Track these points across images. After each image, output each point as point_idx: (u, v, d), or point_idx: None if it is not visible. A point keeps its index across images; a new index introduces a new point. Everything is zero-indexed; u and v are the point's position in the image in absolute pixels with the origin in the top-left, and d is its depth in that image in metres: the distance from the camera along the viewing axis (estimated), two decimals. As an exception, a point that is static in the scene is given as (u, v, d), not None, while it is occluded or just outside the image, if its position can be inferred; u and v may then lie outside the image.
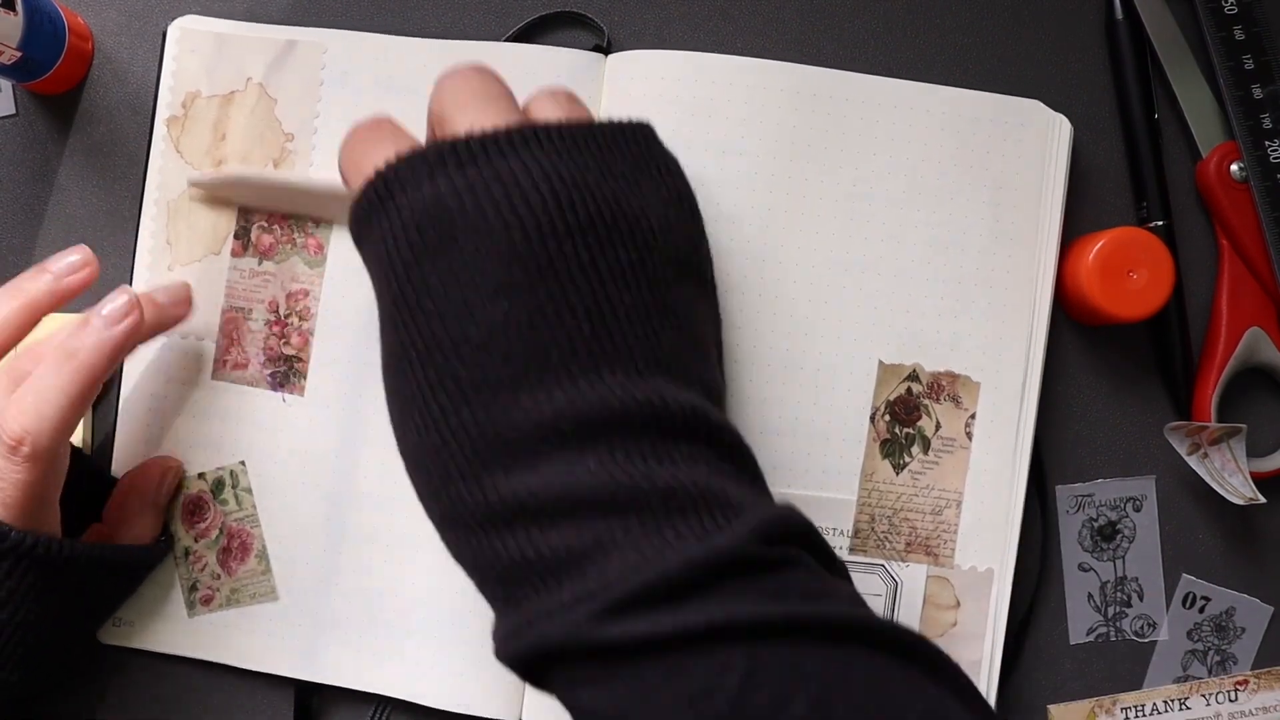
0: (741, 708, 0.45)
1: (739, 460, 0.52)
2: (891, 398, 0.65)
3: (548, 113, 0.54)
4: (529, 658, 0.48)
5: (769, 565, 0.47)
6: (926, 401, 0.65)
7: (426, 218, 0.49)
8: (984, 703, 0.48)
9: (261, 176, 0.66)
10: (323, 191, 0.65)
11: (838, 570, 0.51)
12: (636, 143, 0.54)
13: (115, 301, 0.60)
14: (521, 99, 0.56)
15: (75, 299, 0.62)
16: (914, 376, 0.65)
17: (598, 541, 0.47)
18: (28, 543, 0.57)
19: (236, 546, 0.66)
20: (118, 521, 0.65)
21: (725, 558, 0.46)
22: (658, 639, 0.45)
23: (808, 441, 0.65)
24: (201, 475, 0.67)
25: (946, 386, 0.65)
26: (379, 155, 0.51)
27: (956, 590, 0.65)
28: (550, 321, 0.48)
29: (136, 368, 0.67)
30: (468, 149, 0.49)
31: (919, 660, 0.48)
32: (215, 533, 0.67)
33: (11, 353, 0.60)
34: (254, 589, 0.66)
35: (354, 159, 0.53)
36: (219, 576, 0.67)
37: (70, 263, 0.61)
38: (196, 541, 0.67)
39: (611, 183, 0.51)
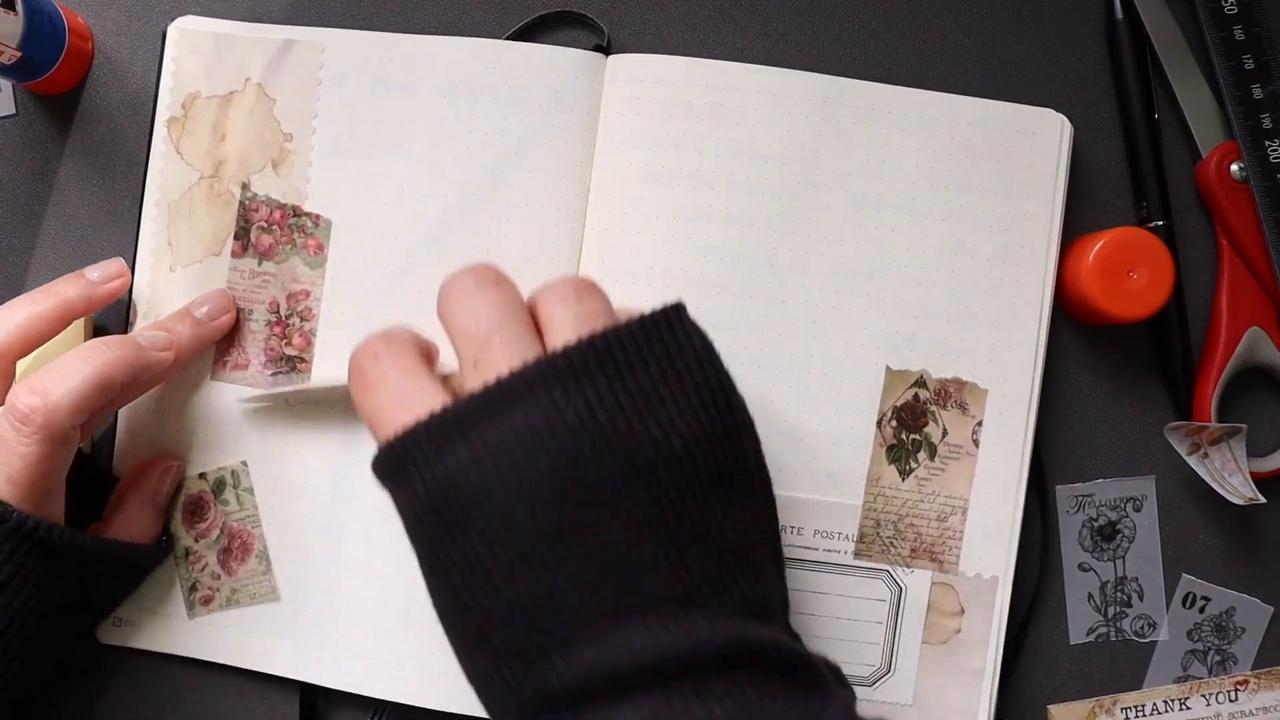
0: None
1: (793, 672, 0.50)
2: (898, 403, 0.65)
3: (558, 320, 0.52)
4: None
5: None
6: (933, 408, 0.65)
7: (440, 497, 0.48)
8: None
9: (300, 389, 0.66)
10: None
11: None
12: (662, 341, 0.50)
13: (158, 336, 0.63)
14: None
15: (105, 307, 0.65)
16: (921, 382, 0.65)
17: None
18: (29, 525, 0.57)
19: (237, 547, 0.66)
20: (118, 520, 0.65)
21: None
22: None
23: (814, 445, 0.65)
24: (202, 475, 0.67)
25: (954, 393, 0.65)
26: (392, 409, 0.50)
27: (961, 597, 0.65)
28: (572, 588, 0.47)
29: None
30: (470, 414, 0.48)
31: None
32: (216, 533, 0.67)
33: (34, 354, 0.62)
34: (254, 589, 0.66)
35: (369, 399, 0.52)
36: (219, 577, 0.67)
37: (107, 271, 0.65)
38: (197, 541, 0.67)
39: (628, 411, 0.49)
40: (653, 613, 0.47)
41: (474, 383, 0.50)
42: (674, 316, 0.51)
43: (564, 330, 0.50)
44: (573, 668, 0.47)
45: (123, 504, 0.65)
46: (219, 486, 0.66)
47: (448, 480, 0.48)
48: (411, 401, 0.50)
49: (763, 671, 0.48)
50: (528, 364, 0.48)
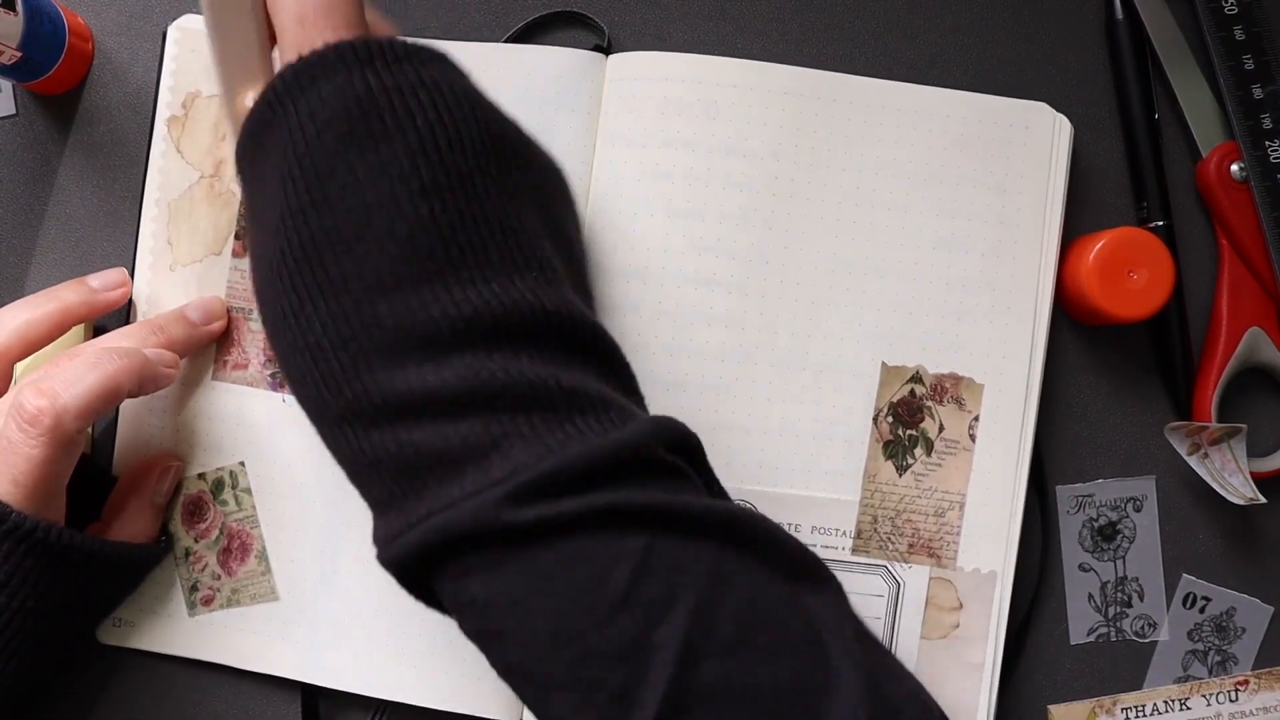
0: (633, 596, 0.47)
1: (625, 378, 0.55)
2: (894, 399, 0.65)
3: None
4: (425, 551, 0.49)
5: (667, 469, 0.51)
6: (930, 403, 0.65)
7: (355, 109, 0.49)
8: (869, 632, 0.52)
9: None
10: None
11: (717, 495, 0.54)
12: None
13: (164, 354, 0.63)
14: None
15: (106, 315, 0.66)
16: (917, 378, 0.65)
17: (504, 434, 0.48)
18: (27, 525, 0.57)
19: (237, 547, 0.66)
20: (117, 520, 0.65)
21: (629, 452, 0.49)
22: (561, 520, 0.48)
23: (811, 442, 0.65)
24: (201, 475, 0.67)
25: (950, 388, 0.65)
26: (302, 38, 0.51)
27: (959, 592, 0.65)
28: (469, 226, 0.49)
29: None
30: (394, 50, 0.49)
31: (801, 578, 0.51)
32: (215, 533, 0.67)
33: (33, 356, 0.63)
34: (254, 589, 0.66)
35: (293, 32, 0.52)
36: (219, 577, 0.67)
37: (109, 280, 0.66)
38: (197, 542, 0.67)
39: (500, 110, 0.53)
40: (531, 279, 0.51)
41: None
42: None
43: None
44: (458, 303, 0.49)
45: (122, 504, 0.65)
46: (218, 487, 0.66)
47: (367, 95, 0.49)
48: (326, 22, 0.51)
49: (613, 369, 0.54)
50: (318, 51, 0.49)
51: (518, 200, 0.52)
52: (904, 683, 0.51)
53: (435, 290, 0.48)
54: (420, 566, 0.50)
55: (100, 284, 0.65)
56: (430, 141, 0.49)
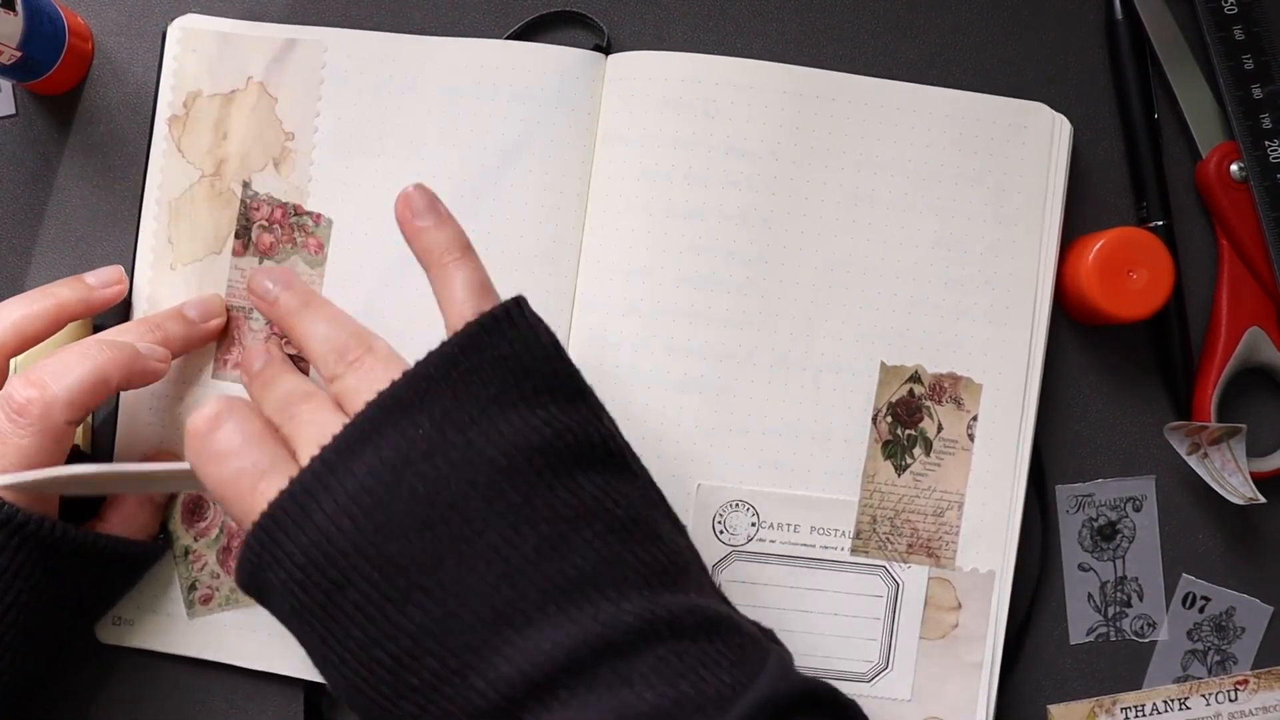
0: None
1: (717, 631, 0.49)
2: (893, 399, 0.65)
3: (370, 380, 0.53)
4: None
5: None
6: (928, 403, 0.65)
7: (320, 557, 0.48)
8: None
9: (85, 471, 0.58)
10: (163, 474, 0.60)
11: None
12: (506, 340, 0.52)
13: (156, 349, 0.63)
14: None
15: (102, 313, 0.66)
16: (916, 378, 0.65)
17: None
18: (20, 518, 0.57)
19: (237, 546, 0.66)
20: (115, 516, 0.64)
21: None
22: None
23: (809, 442, 0.65)
24: None
25: (949, 388, 0.65)
26: (250, 479, 0.50)
27: (958, 592, 0.65)
28: (467, 605, 0.47)
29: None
30: (326, 467, 0.49)
31: None
32: (215, 532, 0.67)
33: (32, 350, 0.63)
34: None
35: (221, 468, 0.51)
36: (219, 576, 0.67)
37: (105, 277, 0.65)
38: (197, 540, 0.67)
39: (479, 421, 0.50)
40: (553, 606, 0.47)
41: (308, 446, 0.51)
42: (515, 312, 0.52)
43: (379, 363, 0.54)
44: (492, 684, 0.46)
45: (121, 500, 0.65)
46: None
47: (320, 538, 0.48)
48: (273, 469, 0.50)
49: (686, 639, 0.48)
50: (369, 401, 0.49)
51: (509, 536, 0.48)
52: None
53: (466, 676, 0.47)
54: None
55: (97, 281, 0.65)
56: (379, 561, 0.48)
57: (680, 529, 0.54)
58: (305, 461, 0.49)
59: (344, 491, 0.48)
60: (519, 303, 0.52)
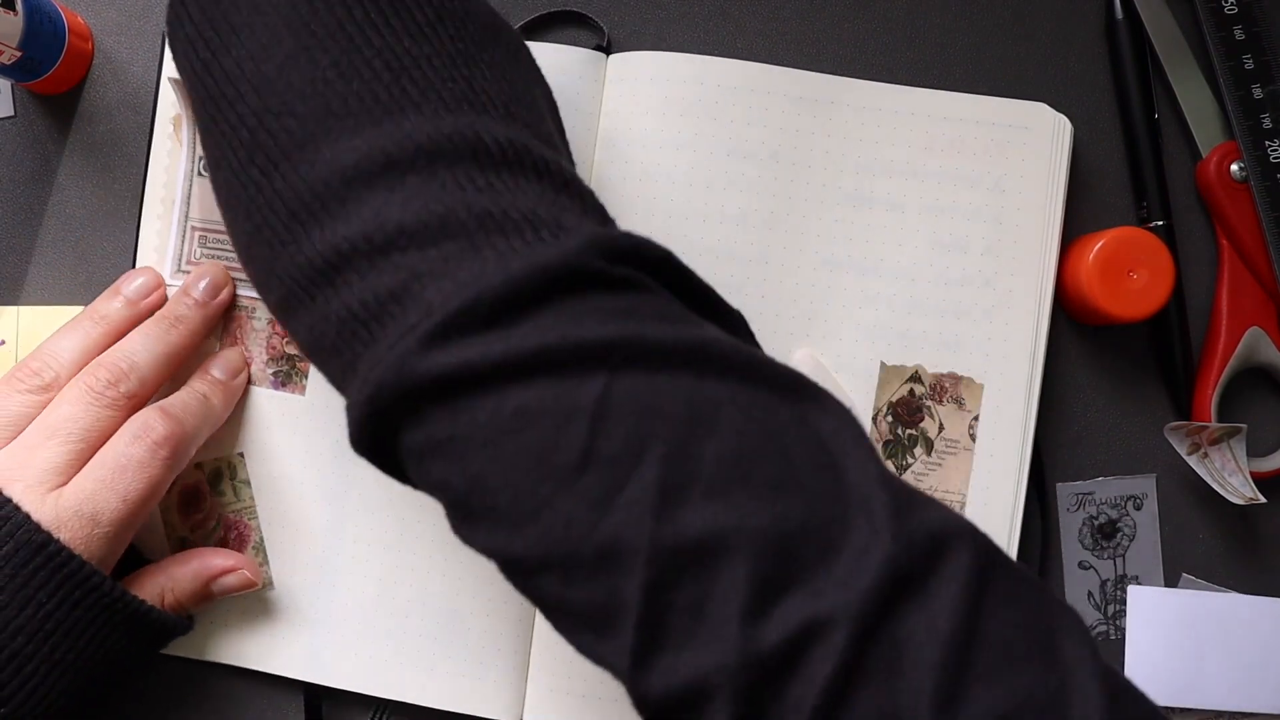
0: (593, 455, 0.41)
1: (575, 194, 0.48)
2: (894, 399, 0.65)
3: None
4: (369, 424, 0.45)
5: (613, 283, 0.44)
6: (929, 403, 0.65)
7: (213, 5, 0.49)
8: (869, 443, 0.44)
9: None
10: None
11: (711, 310, 0.48)
12: None
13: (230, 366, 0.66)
14: None
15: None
16: (916, 378, 0.65)
17: (415, 274, 0.44)
18: (84, 572, 0.56)
19: (233, 538, 0.66)
20: (157, 581, 0.62)
21: (555, 271, 0.43)
22: (488, 368, 0.42)
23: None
24: (199, 466, 0.66)
25: (949, 388, 0.65)
26: None
27: (959, 591, 0.65)
28: (346, 75, 0.47)
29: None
30: None
31: (807, 399, 0.44)
32: (212, 524, 0.66)
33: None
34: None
35: None
36: None
37: (145, 286, 0.65)
38: (193, 532, 0.66)
39: None
40: (429, 110, 0.47)
41: None
42: None
43: None
44: (344, 151, 0.46)
45: (174, 574, 0.63)
46: (215, 478, 0.66)
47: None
48: None
49: (551, 184, 0.47)
50: None
51: (410, 36, 0.48)
52: (935, 508, 0.42)
53: (319, 148, 0.46)
54: (380, 444, 0.46)
55: (136, 293, 0.64)
56: (288, 9, 0.48)
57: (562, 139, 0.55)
58: None
59: None
60: None
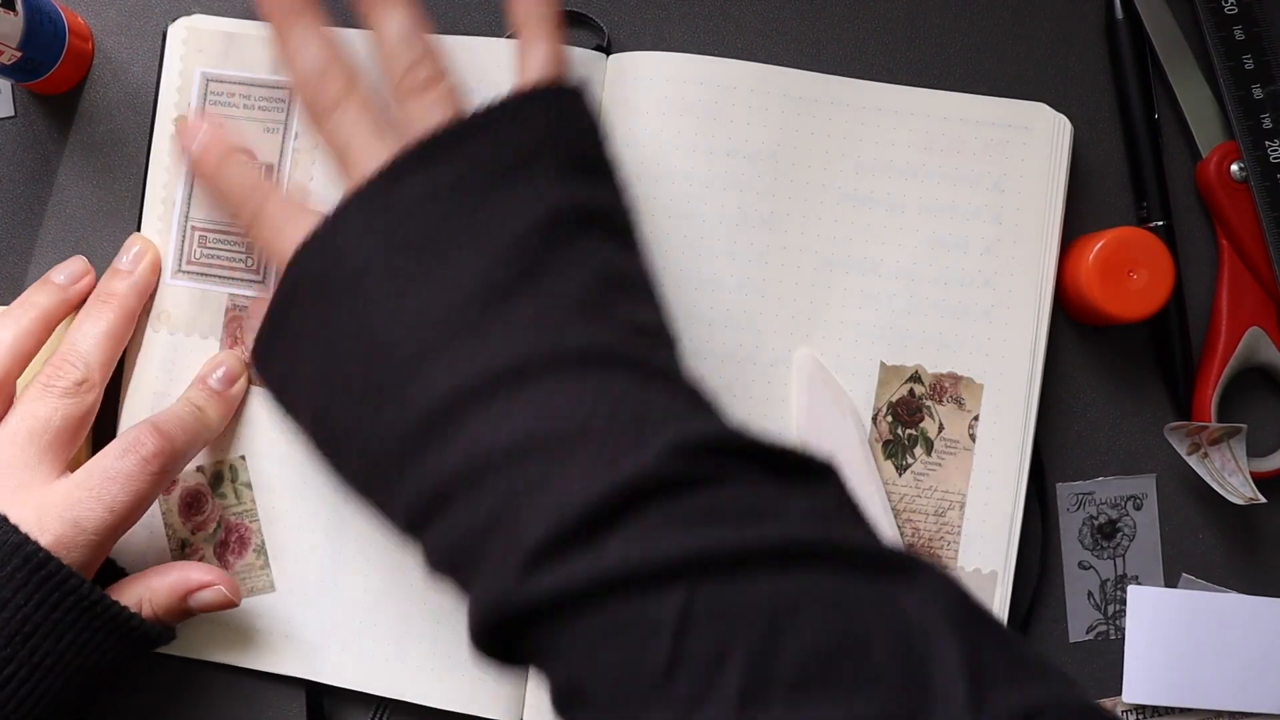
0: (677, 665, 0.43)
1: (661, 381, 0.50)
2: (894, 399, 0.65)
3: (429, 113, 0.56)
4: (484, 638, 0.47)
5: (695, 483, 0.45)
6: (929, 403, 0.65)
7: (325, 265, 0.52)
8: (985, 620, 0.45)
9: None
10: None
11: (804, 478, 0.48)
12: (541, 116, 0.54)
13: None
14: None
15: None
16: (916, 378, 0.65)
17: (510, 496, 0.46)
18: (62, 575, 0.56)
19: (235, 540, 0.66)
20: (137, 592, 0.62)
21: (635, 486, 0.44)
22: (577, 592, 0.44)
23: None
24: (200, 469, 0.66)
25: (949, 388, 0.65)
26: (286, 230, 0.55)
27: (959, 592, 0.65)
28: (432, 306, 0.50)
29: (140, 366, 0.67)
30: (358, 196, 0.52)
31: (895, 576, 0.45)
32: (213, 526, 0.66)
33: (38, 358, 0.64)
34: (251, 583, 0.66)
35: (258, 233, 0.58)
36: None
37: (72, 271, 0.66)
38: (194, 534, 0.67)
39: (491, 190, 0.52)
40: (512, 327, 0.49)
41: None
42: (567, 90, 0.56)
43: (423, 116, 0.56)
44: (438, 379, 0.48)
45: (153, 585, 0.62)
46: (216, 480, 0.66)
47: (334, 252, 0.52)
48: (295, 216, 0.55)
49: (645, 374, 0.49)
50: (406, 144, 0.53)
51: (486, 257, 0.51)
52: (1022, 687, 0.43)
53: (417, 380, 0.49)
54: (498, 651, 0.48)
55: (66, 278, 0.65)
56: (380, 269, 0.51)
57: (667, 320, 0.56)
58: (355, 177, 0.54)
59: (363, 214, 0.52)
60: (576, 86, 0.56)
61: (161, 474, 0.60)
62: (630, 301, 0.53)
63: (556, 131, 0.54)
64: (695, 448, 0.46)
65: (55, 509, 0.57)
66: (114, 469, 0.59)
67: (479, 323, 0.49)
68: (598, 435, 0.46)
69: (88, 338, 0.63)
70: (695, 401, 0.51)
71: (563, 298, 0.50)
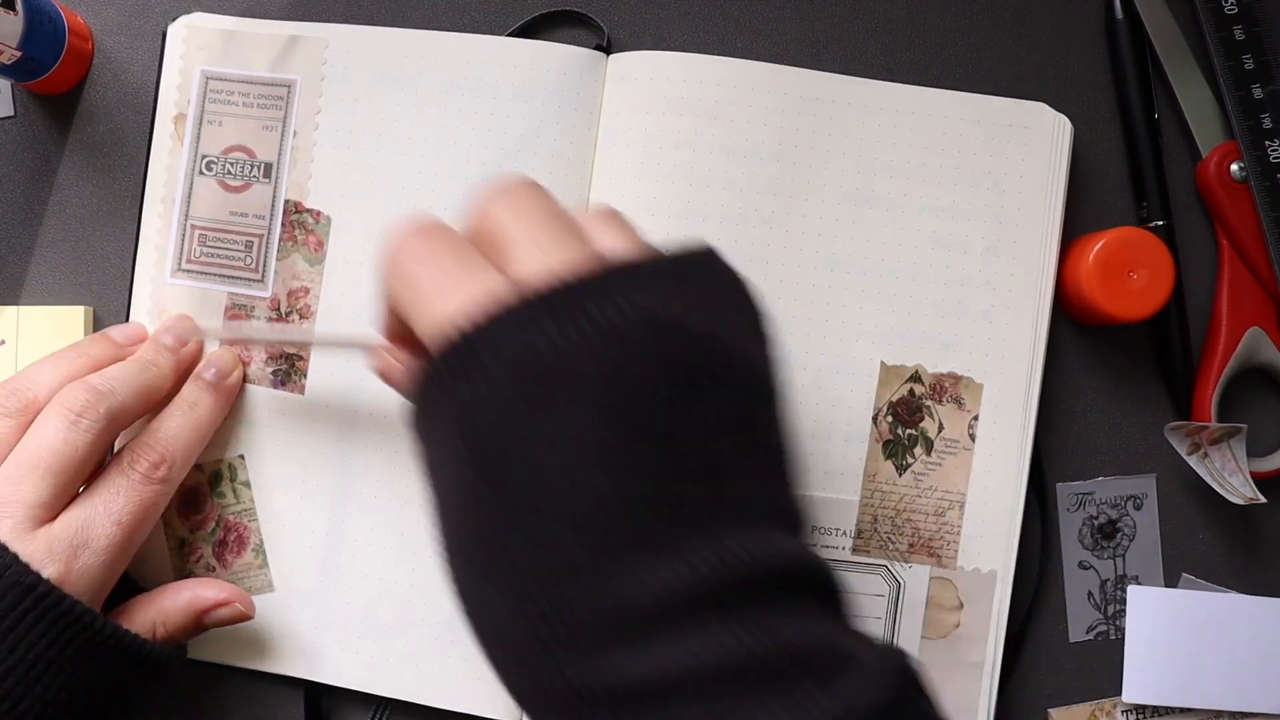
0: None
1: (838, 600, 0.46)
2: (894, 399, 0.65)
3: (611, 240, 0.48)
4: None
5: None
6: (929, 403, 0.65)
7: (521, 375, 0.42)
8: None
9: (279, 336, 0.67)
10: (340, 339, 0.66)
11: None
12: (713, 269, 0.47)
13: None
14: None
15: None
16: (916, 377, 0.65)
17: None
18: (68, 608, 0.56)
19: (233, 540, 0.66)
20: (147, 614, 0.62)
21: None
22: None
23: (810, 442, 0.65)
24: (199, 467, 0.66)
25: (949, 388, 0.65)
26: (450, 299, 0.45)
27: (960, 592, 0.65)
28: (660, 486, 0.42)
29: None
30: (563, 296, 0.42)
31: None
32: (212, 525, 0.66)
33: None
34: (250, 582, 0.66)
35: (418, 269, 0.46)
36: (214, 569, 0.66)
37: (130, 334, 0.65)
38: (193, 534, 0.67)
39: (705, 320, 0.44)
40: (738, 528, 0.43)
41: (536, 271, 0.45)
42: (715, 252, 0.48)
43: (619, 245, 0.48)
44: (659, 574, 0.41)
45: (166, 607, 0.62)
46: (215, 479, 0.66)
47: (533, 357, 0.42)
48: (472, 277, 0.45)
49: (826, 603, 0.45)
50: (620, 263, 0.44)
51: (721, 436, 0.44)
52: None
53: (631, 566, 0.41)
54: None
55: (123, 338, 0.65)
56: (605, 394, 0.42)
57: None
58: (528, 278, 0.44)
59: (586, 317, 0.42)
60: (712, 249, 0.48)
61: (164, 483, 0.60)
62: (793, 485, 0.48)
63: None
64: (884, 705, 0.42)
65: (64, 536, 0.57)
66: (116, 484, 0.59)
67: (702, 526, 0.43)
68: (803, 673, 0.41)
69: (129, 384, 0.61)
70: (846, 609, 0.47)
71: (773, 500, 0.46)
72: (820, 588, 0.45)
